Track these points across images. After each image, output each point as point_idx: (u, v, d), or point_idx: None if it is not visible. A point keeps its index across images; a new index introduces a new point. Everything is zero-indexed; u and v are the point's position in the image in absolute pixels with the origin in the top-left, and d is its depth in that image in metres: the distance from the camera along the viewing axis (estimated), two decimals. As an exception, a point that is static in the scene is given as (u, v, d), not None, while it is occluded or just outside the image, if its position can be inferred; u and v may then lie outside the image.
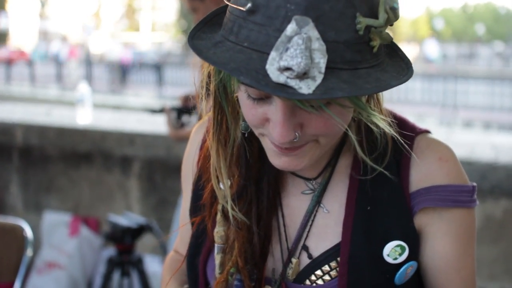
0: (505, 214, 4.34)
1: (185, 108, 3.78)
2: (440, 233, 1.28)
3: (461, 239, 1.29)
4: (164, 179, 5.24)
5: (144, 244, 4.92)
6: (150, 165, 5.34)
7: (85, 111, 6.03)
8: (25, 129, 5.83)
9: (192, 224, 1.39)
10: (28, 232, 3.02)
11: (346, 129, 1.17)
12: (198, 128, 1.46)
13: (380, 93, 1.24)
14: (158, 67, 24.81)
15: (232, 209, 1.26)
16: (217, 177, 1.27)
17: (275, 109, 1.10)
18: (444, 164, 1.28)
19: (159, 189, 5.29)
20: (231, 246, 1.28)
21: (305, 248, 1.28)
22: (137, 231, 4.05)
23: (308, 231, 1.29)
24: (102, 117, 6.35)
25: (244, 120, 1.24)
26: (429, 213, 1.27)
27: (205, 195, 1.34)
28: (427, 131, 1.33)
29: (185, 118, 3.78)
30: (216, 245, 1.31)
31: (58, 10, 62.02)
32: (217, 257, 1.30)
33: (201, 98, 1.29)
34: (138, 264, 4.05)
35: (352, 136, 1.22)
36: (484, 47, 49.15)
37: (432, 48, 38.08)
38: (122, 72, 26.88)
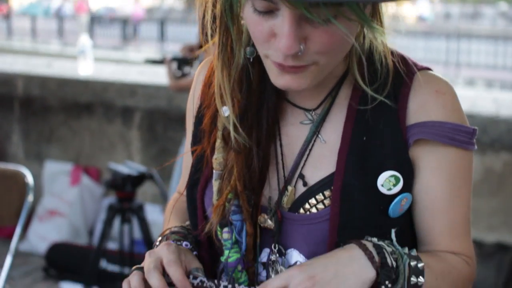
0: (504, 167, 4.36)
1: (186, 59, 3.76)
2: (430, 167, 1.27)
3: (452, 179, 1.28)
4: (165, 129, 5.26)
5: (145, 193, 4.96)
6: (151, 115, 5.36)
7: (87, 63, 6.02)
8: (26, 80, 5.84)
9: (193, 156, 1.39)
10: (29, 178, 3.03)
11: (350, 51, 1.17)
12: (203, 66, 1.46)
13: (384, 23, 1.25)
14: (160, 23, 24.67)
15: (235, 129, 1.26)
16: (221, 98, 1.28)
17: (281, 21, 1.10)
18: (441, 97, 1.27)
19: (160, 140, 5.31)
20: (230, 172, 1.28)
21: (301, 176, 1.29)
22: (138, 179, 4.06)
23: (305, 160, 1.29)
24: (104, 69, 6.34)
25: (249, 45, 1.25)
26: (423, 145, 1.26)
27: (205, 121, 1.34)
28: (428, 68, 1.32)
29: (186, 69, 3.76)
30: (214, 171, 1.31)
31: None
32: (215, 184, 1.30)
33: (206, 32, 1.29)
34: (139, 212, 4.07)
35: (353, 63, 1.23)
36: (488, 7, 48.78)
37: (424, 8, 39.47)
38: (133, 28, 26.79)
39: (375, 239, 1.19)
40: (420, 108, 1.27)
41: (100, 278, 4.31)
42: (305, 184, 1.28)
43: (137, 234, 4.34)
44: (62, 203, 5.37)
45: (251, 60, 1.26)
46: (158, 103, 5.27)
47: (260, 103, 1.29)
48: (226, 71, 1.26)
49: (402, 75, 1.27)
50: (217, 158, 1.31)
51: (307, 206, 1.27)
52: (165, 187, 4.19)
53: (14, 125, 5.93)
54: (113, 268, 4.52)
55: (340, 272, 1.13)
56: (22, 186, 2.99)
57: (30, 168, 3.31)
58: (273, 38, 1.13)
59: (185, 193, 1.41)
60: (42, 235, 5.29)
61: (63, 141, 5.76)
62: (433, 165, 1.27)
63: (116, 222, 4.20)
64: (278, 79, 1.18)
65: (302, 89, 1.20)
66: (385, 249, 1.16)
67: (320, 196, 1.26)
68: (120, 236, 4.19)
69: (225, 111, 1.28)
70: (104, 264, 4.54)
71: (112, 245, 4.75)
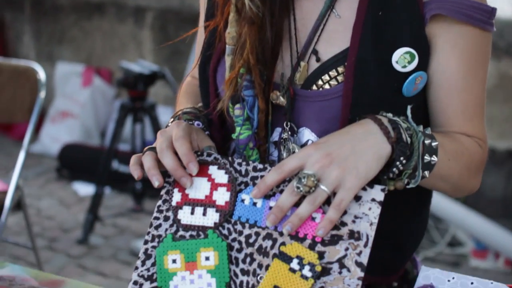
0: (521, 73, 4.31)
1: None
2: (447, 45, 1.23)
3: (468, 58, 1.25)
4: (178, 30, 5.19)
5: (157, 94, 4.94)
6: (163, 15, 5.28)
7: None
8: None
9: (205, 31, 1.36)
10: (42, 75, 3.02)
11: None
12: None
13: None
14: None
15: None
16: None
17: None
18: None
19: (172, 39, 5.22)
20: (242, 46, 1.25)
21: (315, 52, 1.26)
22: (150, 78, 4.03)
23: (319, 36, 1.26)
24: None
25: None
26: (440, 22, 1.22)
27: None
28: None
29: None
30: (227, 46, 1.28)
31: None
32: (227, 59, 1.27)
33: None
34: (151, 111, 4.06)
35: None
36: None
37: None
38: None
39: (390, 115, 1.16)
40: None
41: (112, 178, 4.35)
42: (318, 59, 1.25)
43: (149, 135, 4.37)
44: (74, 105, 5.37)
45: None
46: (171, 3, 5.19)
47: None
48: None
49: None
50: (230, 32, 1.27)
51: (320, 82, 1.24)
52: (178, 87, 4.15)
53: (25, 26, 5.88)
54: (124, 168, 4.54)
55: (356, 148, 1.10)
56: (34, 83, 2.98)
57: (43, 68, 3.30)
58: None
59: (197, 74, 1.39)
60: (54, 136, 5.32)
61: (74, 42, 5.71)
62: (450, 44, 1.23)
63: (128, 122, 4.20)
64: None
65: None
66: (400, 125, 1.13)
67: (333, 72, 1.23)
68: (132, 137, 4.20)
69: None
70: (116, 165, 4.57)
71: (124, 147, 4.77)
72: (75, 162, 4.90)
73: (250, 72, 1.24)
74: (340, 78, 1.22)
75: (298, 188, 1.08)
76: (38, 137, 5.38)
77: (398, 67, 1.20)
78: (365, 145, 1.11)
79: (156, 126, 4.06)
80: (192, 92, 1.49)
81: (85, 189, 4.69)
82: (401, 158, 1.12)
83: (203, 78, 1.35)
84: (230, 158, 1.19)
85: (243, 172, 1.17)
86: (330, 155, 1.09)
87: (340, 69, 1.23)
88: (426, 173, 1.16)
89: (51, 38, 5.81)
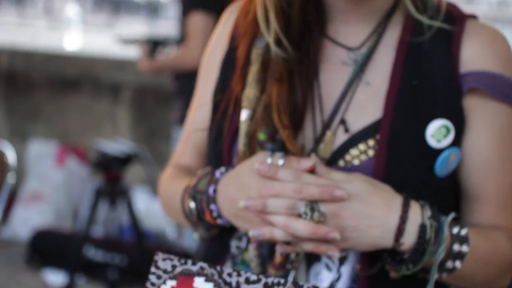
0: None
1: (163, 40, 3.59)
2: (482, 125, 1.17)
3: (505, 141, 1.19)
4: (155, 107, 5.15)
5: (133, 175, 4.82)
6: (140, 93, 5.24)
7: (73, 35, 5.88)
8: (11, 54, 5.68)
9: (217, 103, 1.25)
10: (10, 157, 2.83)
11: None
12: (231, 10, 1.34)
13: None
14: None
15: (278, 43, 1.16)
16: (264, 9, 1.18)
17: None
18: (498, 46, 1.19)
19: (150, 118, 5.19)
20: (266, 108, 1.14)
21: (343, 122, 1.16)
22: (126, 160, 3.96)
23: (348, 104, 1.17)
24: (91, 42, 6.22)
25: None
26: (476, 97, 1.16)
27: (239, 50, 1.22)
28: (476, 17, 1.23)
29: (160, 49, 3.61)
30: (243, 111, 1.17)
31: None
32: (243, 126, 1.16)
33: None
34: (126, 194, 3.94)
35: None
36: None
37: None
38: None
39: (428, 213, 1.10)
40: (476, 56, 1.18)
41: (85, 266, 4.20)
42: (347, 130, 1.15)
43: (125, 218, 4.22)
44: (47, 186, 5.22)
45: None
46: (148, 80, 5.12)
47: (300, 36, 1.18)
48: None
49: (452, 16, 1.19)
50: (248, 94, 1.17)
51: (348, 157, 1.15)
52: (155, 169, 4.06)
53: (-2, 101, 5.79)
54: (99, 255, 4.36)
55: (360, 227, 1.08)
56: (2, 166, 2.83)
57: (15, 146, 3.20)
58: None
59: (184, 161, 1.31)
60: (25, 220, 5.12)
61: (48, 118, 5.61)
62: (486, 123, 1.17)
63: (103, 205, 4.06)
64: None
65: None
66: (426, 233, 1.08)
67: (363, 146, 1.14)
68: (107, 222, 4.11)
69: (259, 42, 1.19)
70: (90, 251, 4.39)
71: (98, 231, 4.60)
72: (46, 248, 4.71)
73: (273, 140, 1.13)
74: (370, 152, 1.14)
75: (305, 213, 1.07)
76: (8, 220, 5.19)
77: (432, 142, 1.14)
78: (368, 232, 1.08)
79: (131, 210, 3.93)
80: (178, 175, 1.33)
81: (56, 278, 4.47)
82: (410, 265, 1.09)
83: (214, 154, 1.22)
84: (218, 268, 1.06)
85: (234, 285, 1.05)
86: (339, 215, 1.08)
87: (371, 142, 1.14)
88: (444, 274, 1.12)
89: (24, 115, 5.70)
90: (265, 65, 1.18)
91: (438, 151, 1.14)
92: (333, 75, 1.21)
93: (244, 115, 1.17)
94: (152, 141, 5.09)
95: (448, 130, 1.14)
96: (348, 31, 1.20)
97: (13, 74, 5.63)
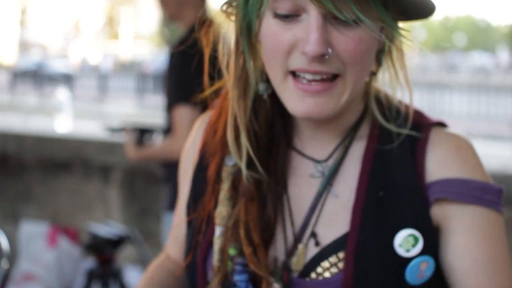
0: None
1: (149, 129, 3.57)
2: (461, 228, 1.17)
3: (490, 240, 1.17)
4: (145, 188, 5.13)
5: (126, 256, 4.80)
6: (131, 173, 5.23)
7: (64, 119, 5.92)
8: (2, 137, 5.70)
9: (189, 221, 1.28)
10: (3, 243, 2.89)
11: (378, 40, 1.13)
12: (203, 119, 1.38)
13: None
14: (139, 76, 24.67)
15: (249, 165, 1.18)
16: (234, 130, 1.19)
17: (307, 23, 1.06)
18: (462, 153, 1.20)
19: (140, 198, 5.18)
20: (235, 225, 1.17)
21: (314, 235, 1.18)
22: (117, 242, 3.94)
23: (317, 217, 1.19)
24: (82, 125, 6.24)
25: (262, 81, 1.20)
26: (447, 205, 1.17)
27: (209, 170, 1.24)
28: (444, 124, 1.26)
29: (147, 139, 3.55)
30: (216, 227, 1.20)
31: (38, 19, 61.61)
32: (216, 242, 1.19)
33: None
34: (119, 276, 3.94)
35: (371, 101, 1.21)
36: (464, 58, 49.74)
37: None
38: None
39: None
40: (441, 164, 1.18)
41: None
42: (317, 243, 1.17)
43: None
44: (39, 267, 5.16)
45: (262, 98, 1.20)
46: (137, 162, 5.14)
47: (267, 151, 1.21)
48: (242, 100, 1.18)
49: (419, 124, 1.21)
50: (221, 212, 1.19)
51: (319, 270, 1.16)
52: (146, 250, 4.04)
53: (-11, 183, 5.77)
54: None
55: None
56: None
57: (6, 228, 3.21)
58: (295, 49, 1.08)
59: (176, 255, 1.31)
60: (17, 301, 5.07)
61: (40, 200, 5.60)
62: (465, 227, 1.17)
63: (96, 287, 4.05)
64: (299, 105, 1.10)
65: (324, 117, 1.11)
66: None
67: (334, 258, 1.15)
68: None
69: (229, 160, 1.21)
70: None
71: None
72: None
73: (243, 254, 1.15)
74: (341, 264, 1.14)
75: None
76: (0, 302, 5.14)
77: (401, 251, 1.13)
78: None
79: (125, 292, 3.88)
80: (159, 279, 1.36)
81: None
82: None
83: (190, 264, 1.25)
84: None
85: None
86: None
87: (341, 255, 1.15)
88: None
89: (16, 196, 5.68)
90: (235, 184, 1.20)
91: (408, 260, 1.14)
92: (302, 188, 1.22)
93: (217, 231, 1.19)
94: (142, 220, 5.06)
95: (416, 240, 1.13)
96: (315, 145, 1.22)
97: (4, 156, 5.65)
